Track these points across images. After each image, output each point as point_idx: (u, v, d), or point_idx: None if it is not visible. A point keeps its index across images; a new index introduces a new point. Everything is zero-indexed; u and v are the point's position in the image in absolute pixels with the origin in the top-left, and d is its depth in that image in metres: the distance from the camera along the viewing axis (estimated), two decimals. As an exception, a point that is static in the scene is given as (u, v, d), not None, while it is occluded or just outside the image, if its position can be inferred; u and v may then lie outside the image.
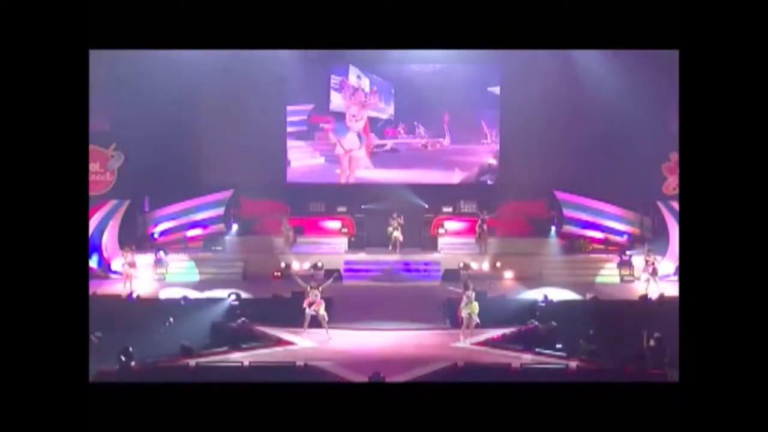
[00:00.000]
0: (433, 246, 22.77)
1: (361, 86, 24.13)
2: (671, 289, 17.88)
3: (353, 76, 24.16)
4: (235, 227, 23.26)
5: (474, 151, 24.34)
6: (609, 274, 21.17)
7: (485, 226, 21.87)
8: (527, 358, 14.42)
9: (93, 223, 21.17)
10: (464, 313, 15.61)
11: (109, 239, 21.60)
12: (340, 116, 24.33)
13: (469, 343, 15.53)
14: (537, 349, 14.80)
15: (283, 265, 21.32)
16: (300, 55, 22.56)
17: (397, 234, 22.18)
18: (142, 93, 21.61)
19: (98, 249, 21.27)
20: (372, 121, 24.33)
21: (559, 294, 18.50)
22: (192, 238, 23.35)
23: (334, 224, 23.49)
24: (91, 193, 19.30)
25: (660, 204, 22.14)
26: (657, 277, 19.09)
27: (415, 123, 24.33)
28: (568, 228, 23.04)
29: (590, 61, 21.17)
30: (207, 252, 22.54)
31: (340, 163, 24.34)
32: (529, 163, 23.01)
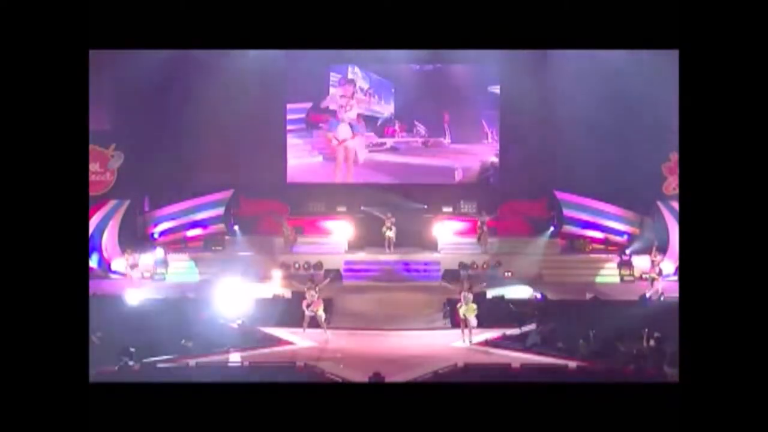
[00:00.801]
0: (433, 246, 22.78)
1: (354, 78, 24.11)
2: (671, 289, 17.88)
3: (349, 69, 24.19)
4: (235, 227, 23.28)
5: (474, 150, 24.33)
6: (609, 274, 21.19)
7: (485, 228, 21.87)
8: (527, 358, 14.43)
9: (93, 223, 21.19)
10: (461, 314, 15.63)
11: (109, 239, 21.61)
12: (334, 113, 24.42)
13: (469, 343, 15.54)
14: (537, 349, 14.80)
15: (283, 264, 21.32)
16: (300, 55, 22.55)
17: (390, 234, 22.18)
18: (142, 93, 21.64)
19: (98, 249, 21.29)
20: (370, 119, 24.32)
21: (559, 294, 18.49)
22: (192, 238, 23.38)
23: (334, 224, 23.49)
24: (91, 193, 19.33)
25: (660, 204, 22.16)
26: (661, 277, 19.12)
27: (415, 122, 24.33)
28: (568, 228, 23.05)
29: (591, 61, 21.17)
30: (207, 252, 22.56)
31: (336, 156, 24.32)
32: (529, 163, 23.02)
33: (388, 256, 21.94)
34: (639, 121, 21.59)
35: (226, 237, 22.82)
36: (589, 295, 18.30)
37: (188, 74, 22.17)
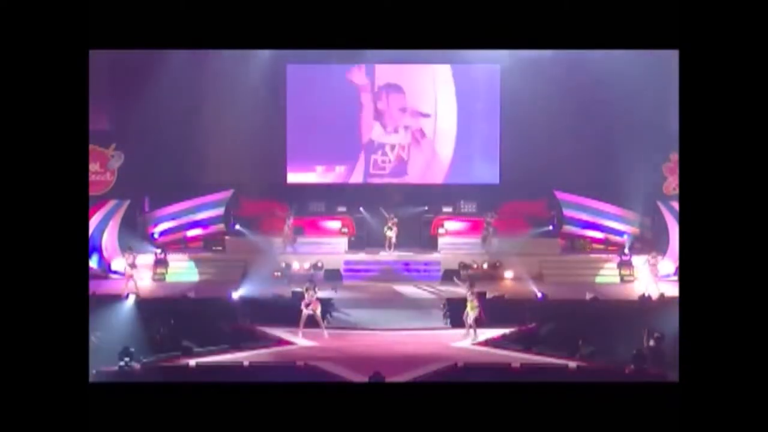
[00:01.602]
0: (433, 246, 22.77)
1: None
2: (671, 289, 17.88)
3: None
4: (237, 226, 23.29)
5: (475, 149, 24.34)
6: (609, 274, 21.17)
7: (491, 229, 21.88)
8: (527, 358, 14.43)
9: (93, 223, 21.17)
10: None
11: (109, 239, 21.60)
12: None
13: (469, 343, 15.54)
14: (537, 349, 14.80)
15: (283, 265, 21.32)
16: (300, 54, 22.55)
17: (391, 234, 22.19)
18: (142, 93, 21.63)
19: (98, 249, 21.28)
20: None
21: (559, 294, 18.49)
22: (192, 238, 23.36)
23: (334, 224, 23.48)
24: (91, 193, 19.28)
25: (660, 204, 22.15)
26: (657, 278, 19.12)
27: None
28: (568, 228, 23.04)
29: (591, 61, 21.16)
30: (207, 252, 22.55)
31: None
32: (529, 163, 23.01)
33: (388, 256, 21.94)
34: (639, 121, 21.57)
35: (226, 237, 22.80)
36: (589, 295, 18.29)
37: (188, 74, 22.14)
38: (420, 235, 23.14)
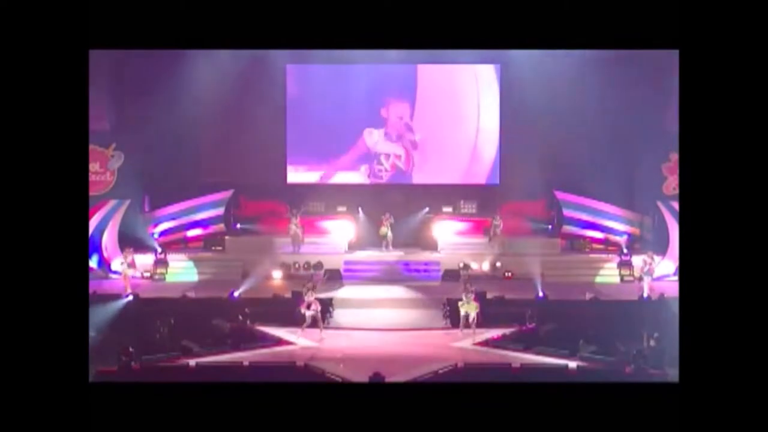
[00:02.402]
0: (433, 246, 22.78)
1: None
2: (671, 289, 17.88)
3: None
4: (238, 226, 23.28)
5: (475, 149, 24.34)
6: (609, 274, 21.17)
7: (498, 230, 21.87)
8: (527, 358, 14.43)
9: (93, 223, 21.17)
10: (462, 311, 15.71)
11: (109, 239, 21.60)
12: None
13: (469, 343, 15.54)
14: (537, 349, 14.81)
15: (283, 265, 21.32)
16: (300, 54, 22.57)
17: (389, 233, 22.19)
18: (142, 93, 21.63)
19: (98, 249, 21.27)
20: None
21: (559, 294, 18.49)
22: (192, 238, 23.36)
23: (334, 224, 23.47)
24: (91, 193, 19.32)
25: (660, 204, 22.14)
26: (651, 277, 19.12)
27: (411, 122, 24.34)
28: (568, 228, 23.04)
29: (591, 61, 21.17)
30: (207, 252, 22.56)
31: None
32: (529, 163, 23.00)
33: (388, 256, 21.94)
34: (639, 120, 21.57)
35: (226, 237, 22.80)
36: (589, 295, 18.30)
37: (188, 74, 22.14)
38: (420, 235, 23.12)
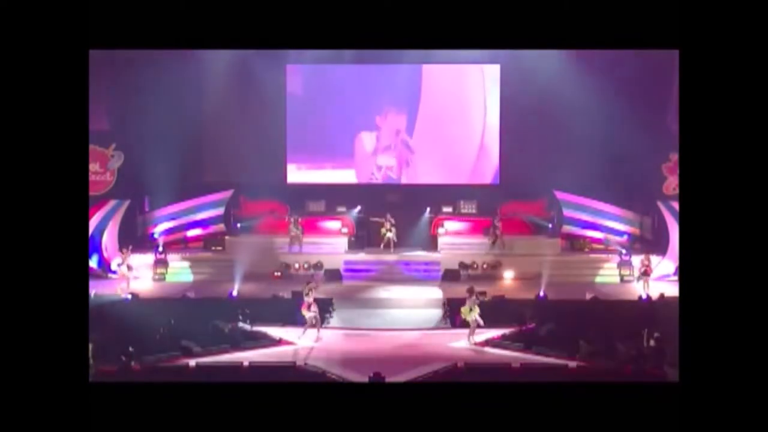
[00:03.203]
0: (433, 246, 22.77)
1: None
2: (671, 289, 17.88)
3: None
4: (238, 225, 23.27)
5: (475, 149, 24.34)
6: (609, 274, 21.19)
7: (498, 232, 21.87)
8: (527, 357, 14.43)
9: (93, 223, 21.18)
10: (463, 317, 15.69)
11: (109, 239, 21.61)
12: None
13: (469, 343, 15.54)
14: (537, 349, 14.81)
15: (283, 265, 21.32)
16: (300, 54, 22.57)
17: (391, 235, 22.21)
18: (142, 93, 21.64)
19: (98, 249, 21.28)
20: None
21: (559, 294, 18.50)
22: (192, 238, 23.38)
23: (334, 224, 23.49)
24: (91, 193, 19.34)
25: (660, 204, 22.15)
26: (648, 278, 19.13)
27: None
28: (568, 228, 23.05)
29: (590, 61, 21.17)
30: (207, 252, 22.57)
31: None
32: (529, 163, 23.01)
33: (388, 256, 21.94)
34: (639, 121, 21.57)
35: (226, 237, 22.81)
36: (589, 295, 18.30)
37: (188, 74, 22.16)
38: (420, 235, 23.11)
